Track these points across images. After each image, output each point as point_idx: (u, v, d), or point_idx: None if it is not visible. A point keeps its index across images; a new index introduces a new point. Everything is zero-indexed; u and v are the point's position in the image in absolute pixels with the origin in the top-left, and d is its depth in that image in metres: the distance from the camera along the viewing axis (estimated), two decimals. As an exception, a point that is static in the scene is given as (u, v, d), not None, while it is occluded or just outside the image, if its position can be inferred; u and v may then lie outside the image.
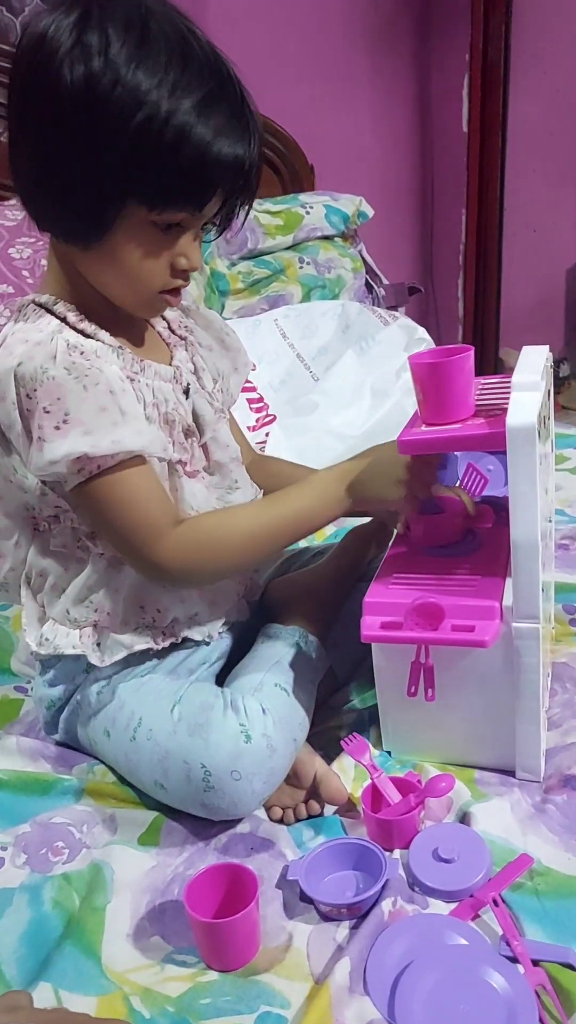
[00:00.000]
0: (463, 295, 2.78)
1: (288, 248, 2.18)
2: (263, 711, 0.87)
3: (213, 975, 0.74)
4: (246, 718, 0.86)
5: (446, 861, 0.80)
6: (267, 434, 1.69)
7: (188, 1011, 0.71)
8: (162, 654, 0.95)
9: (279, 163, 2.34)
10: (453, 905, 0.78)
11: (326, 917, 0.78)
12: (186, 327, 1.00)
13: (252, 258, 2.13)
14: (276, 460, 1.18)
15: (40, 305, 0.85)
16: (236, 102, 0.78)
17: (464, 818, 0.87)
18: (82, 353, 0.80)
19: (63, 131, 0.74)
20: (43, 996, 0.72)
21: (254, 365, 1.87)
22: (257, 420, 1.76)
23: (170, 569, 0.86)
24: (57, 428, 0.77)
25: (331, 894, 0.80)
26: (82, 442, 0.77)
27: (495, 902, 0.76)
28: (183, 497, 0.90)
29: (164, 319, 0.99)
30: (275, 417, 1.77)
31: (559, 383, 2.70)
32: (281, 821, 0.90)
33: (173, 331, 0.99)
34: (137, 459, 0.82)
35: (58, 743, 1.02)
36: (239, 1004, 0.71)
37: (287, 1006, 0.71)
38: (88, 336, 0.84)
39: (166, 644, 0.94)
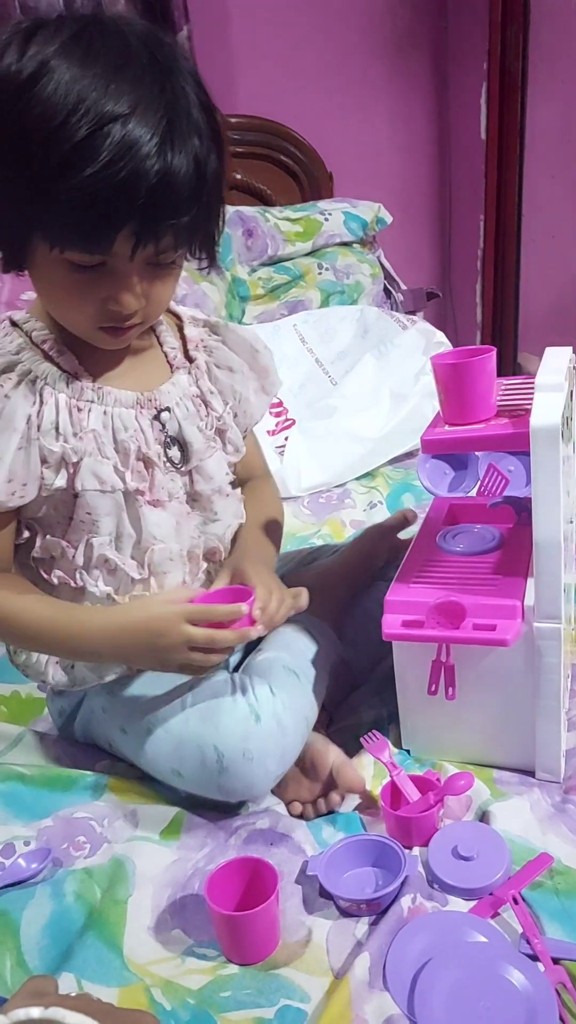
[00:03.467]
0: (481, 300, 2.78)
1: (307, 254, 2.20)
2: (272, 692, 0.88)
3: (233, 968, 0.75)
4: (255, 699, 0.87)
5: (465, 859, 0.81)
6: (286, 438, 1.71)
7: (209, 1003, 0.71)
8: None
9: (298, 170, 2.36)
10: (472, 903, 0.78)
11: (345, 913, 0.79)
12: (206, 347, 0.95)
13: (272, 264, 2.15)
14: (252, 501, 1.04)
15: (14, 323, 0.85)
16: (154, 124, 0.67)
17: (483, 817, 0.87)
18: (1, 386, 0.80)
19: None
20: (66, 986, 0.72)
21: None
22: (276, 424, 1.77)
23: None
24: None
25: (350, 890, 0.80)
26: None
27: (515, 900, 0.77)
28: (145, 527, 0.88)
29: (182, 337, 0.94)
30: (294, 421, 1.78)
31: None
32: (301, 816, 0.91)
33: (187, 351, 0.94)
34: None
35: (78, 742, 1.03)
36: (259, 997, 0.72)
37: (307, 1000, 0.71)
38: (48, 356, 0.83)
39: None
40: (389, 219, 2.33)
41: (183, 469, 0.91)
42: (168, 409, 0.89)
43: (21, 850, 0.87)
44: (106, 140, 0.65)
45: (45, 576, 0.90)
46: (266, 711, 0.87)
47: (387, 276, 2.34)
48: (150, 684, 0.94)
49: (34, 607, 0.86)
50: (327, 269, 2.19)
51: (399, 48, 2.51)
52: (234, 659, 1.02)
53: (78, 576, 0.88)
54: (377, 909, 0.78)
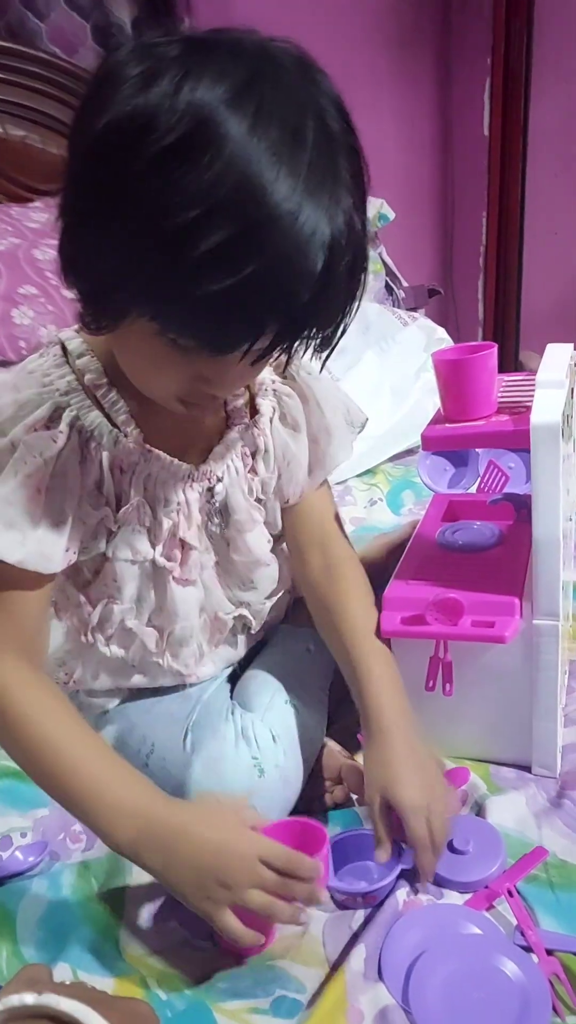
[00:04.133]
0: (483, 298, 2.78)
1: (309, 250, 2.19)
2: (274, 739, 0.86)
3: (229, 959, 0.75)
4: (258, 750, 0.85)
5: (461, 852, 0.81)
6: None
7: (204, 994, 0.72)
8: None
9: (301, 166, 2.36)
10: (468, 896, 0.79)
11: (342, 905, 0.79)
12: (276, 392, 0.85)
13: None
14: (343, 599, 0.91)
15: (65, 351, 0.75)
16: (323, 212, 0.55)
17: (479, 811, 0.88)
18: (54, 440, 0.72)
19: (89, 192, 0.58)
20: (61, 977, 0.73)
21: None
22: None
23: None
24: None
25: (347, 883, 0.80)
26: None
27: (510, 893, 0.77)
28: (168, 605, 0.84)
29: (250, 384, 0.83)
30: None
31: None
32: (308, 812, 0.91)
33: (253, 400, 0.84)
34: (13, 567, 0.72)
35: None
36: (255, 988, 0.72)
37: (303, 991, 0.72)
38: (99, 403, 0.74)
39: None
40: (392, 215, 2.32)
41: (220, 537, 0.86)
42: (221, 479, 0.83)
43: (18, 842, 0.87)
44: (272, 237, 0.53)
45: (56, 619, 0.87)
46: (269, 763, 0.84)
47: (389, 273, 2.34)
48: (150, 711, 0.91)
49: (48, 722, 0.72)
50: (329, 265, 2.19)
51: (402, 45, 2.51)
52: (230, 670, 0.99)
53: (90, 634, 0.86)
54: (373, 902, 0.78)
